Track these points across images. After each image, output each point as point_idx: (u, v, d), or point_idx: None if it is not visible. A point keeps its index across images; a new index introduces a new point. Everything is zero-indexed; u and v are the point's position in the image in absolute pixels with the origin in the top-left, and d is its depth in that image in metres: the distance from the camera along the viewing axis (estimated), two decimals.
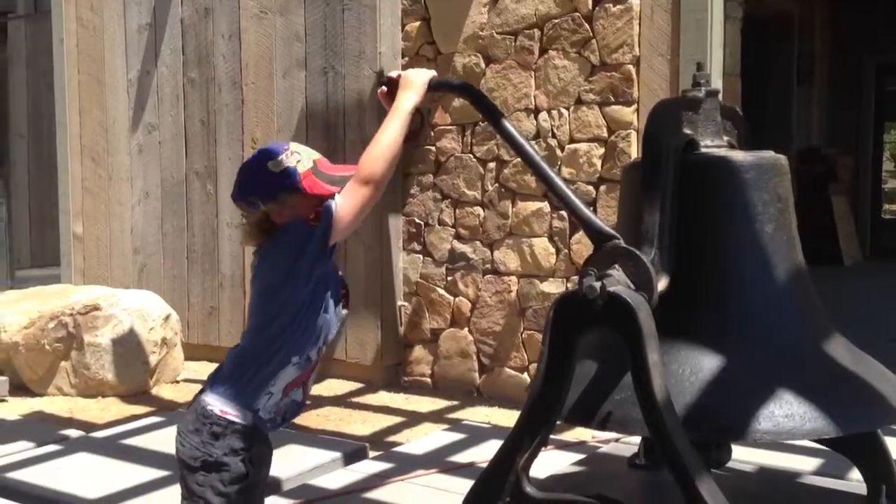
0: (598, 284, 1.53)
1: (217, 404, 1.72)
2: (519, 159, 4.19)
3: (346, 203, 1.71)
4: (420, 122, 1.83)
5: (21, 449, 3.32)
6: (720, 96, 1.90)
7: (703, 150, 1.80)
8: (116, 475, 2.99)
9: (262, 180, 1.77)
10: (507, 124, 1.80)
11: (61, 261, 5.71)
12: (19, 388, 4.49)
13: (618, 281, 1.56)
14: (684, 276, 1.68)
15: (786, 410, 1.58)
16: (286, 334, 1.72)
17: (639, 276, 1.59)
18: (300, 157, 1.78)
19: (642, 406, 1.52)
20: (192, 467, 1.71)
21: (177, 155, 5.21)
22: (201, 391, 1.79)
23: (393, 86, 1.82)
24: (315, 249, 1.71)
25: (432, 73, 1.85)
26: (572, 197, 1.74)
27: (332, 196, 1.73)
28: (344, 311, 1.83)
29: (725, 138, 1.91)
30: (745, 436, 1.58)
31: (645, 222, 1.63)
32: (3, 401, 4.38)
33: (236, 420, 1.71)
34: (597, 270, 1.56)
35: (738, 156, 1.80)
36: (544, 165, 1.78)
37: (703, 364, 1.64)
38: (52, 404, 4.30)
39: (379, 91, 1.88)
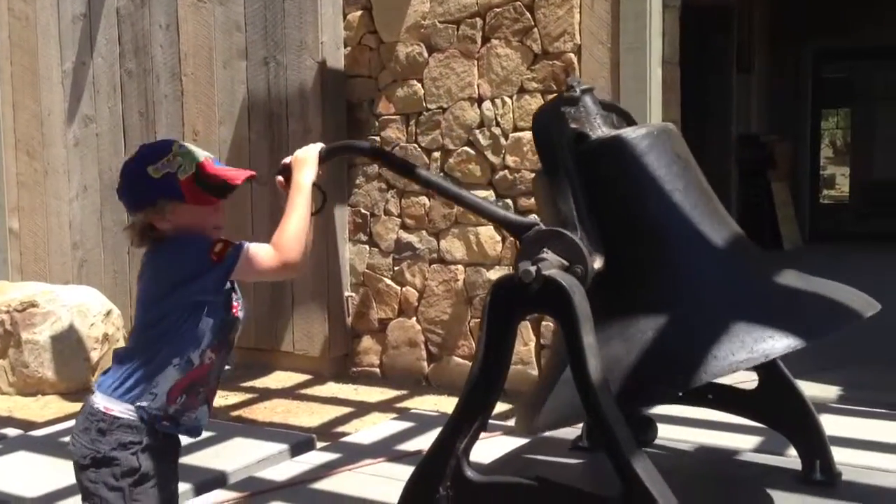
0: (533, 268, 1.55)
1: (101, 402, 1.72)
2: (464, 148, 4.21)
3: (257, 261, 1.71)
4: (322, 198, 1.90)
5: None
6: (598, 92, 2.03)
7: (596, 138, 1.86)
8: (56, 473, 2.93)
9: (141, 185, 1.74)
10: (423, 171, 1.94)
11: None
12: None
13: (552, 263, 1.58)
14: (614, 253, 1.72)
15: (755, 335, 1.60)
16: (167, 337, 1.71)
17: (568, 251, 1.62)
18: (182, 162, 1.73)
19: (579, 388, 1.54)
20: (84, 465, 1.71)
21: (115, 147, 5.10)
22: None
23: (288, 171, 1.87)
24: (210, 285, 1.70)
25: (319, 145, 1.90)
26: (483, 203, 1.81)
27: (214, 206, 1.77)
28: (240, 315, 1.82)
29: (615, 130, 1.97)
30: (725, 370, 1.58)
31: (562, 211, 1.69)
32: None
33: (121, 415, 1.70)
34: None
35: (628, 131, 1.88)
36: (465, 194, 1.86)
37: (661, 321, 1.67)
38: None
39: (277, 181, 1.90)
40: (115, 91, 5.07)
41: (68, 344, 4.35)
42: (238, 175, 1.78)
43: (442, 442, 1.65)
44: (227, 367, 1.88)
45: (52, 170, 5.34)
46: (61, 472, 2.93)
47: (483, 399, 1.64)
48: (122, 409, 1.71)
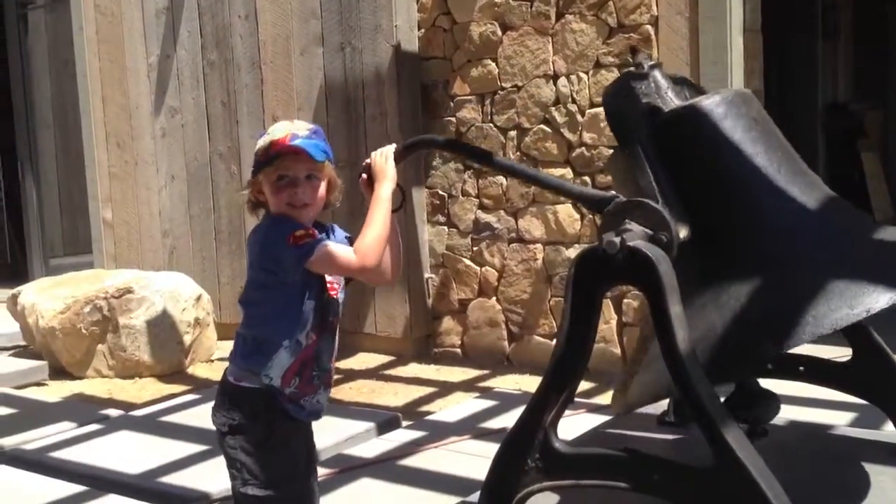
0: (617, 240, 1.54)
1: (232, 377, 1.85)
2: (540, 126, 4.19)
3: (336, 257, 1.79)
4: (402, 197, 1.98)
5: (64, 429, 3.40)
6: (679, 64, 1.98)
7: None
8: (156, 451, 3.06)
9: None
10: (499, 158, 2.06)
11: (93, 247, 5.80)
12: (59, 372, 4.59)
13: (636, 235, 1.57)
14: (703, 220, 1.70)
15: (855, 290, 1.56)
16: (274, 316, 1.81)
17: (651, 220, 1.61)
18: (266, 137, 1.86)
19: (666, 359, 1.53)
20: (223, 433, 1.84)
21: (200, 137, 5.25)
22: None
23: (369, 171, 1.96)
24: (287, 265, 1.78)
25: (394, 146, 1.98)
26: (561, 182, 1.86)
27: (276, 182, 1.82)
28: (339, 297, 1.89)
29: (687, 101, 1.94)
30: (826, 328, 1.54)
31: (642, 185, 1.67)
32: (43, 384, 4.49)
33: (249, 386, 1.81)
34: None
35: (702, 99, 1.85)
36: (542, 174, 1.93)
37: (755, 285, 1.64)
38: (91, 386, 4.39)
39: (361, 181, 1.97)
40: (198, 82, 5.22)
41: (163, 328, 4.52)
42: (283, 140, 1.81)
43: (529, 415, 1.66)
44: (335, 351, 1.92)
45: (141, 161, 5.54)
46: (160, 450, 3.06)
47: (569, 372, 1.64)
48: (249, 382, 1.81)
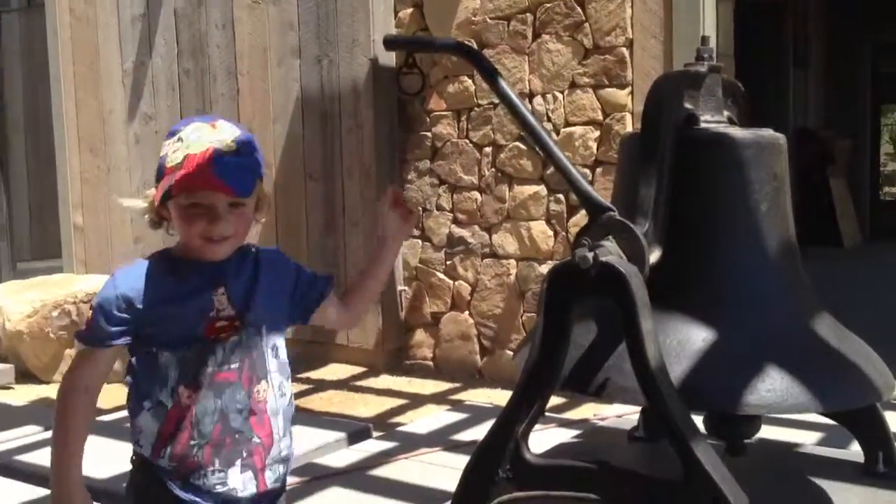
0: (590, 255, 1.56)
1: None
2: (515, 144, 4.23)
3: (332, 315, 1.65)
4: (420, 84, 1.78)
5: (29, 433, 3.36)
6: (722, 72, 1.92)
7: (703, 125, 1.81)
8: (124, 455, 3.02)
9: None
10: (504, 85, 1.85)
11: (63, 251, 5.73)
12: (25, 376, 4.52)
13: (610, 251, 1.59)
14: (677, 250, 1.70)
15: (768, 385, 1.60)
16: (133, 370, 1.53)
17: (632, 248, 1.61)
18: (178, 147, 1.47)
19: (637, 374, 1.55)
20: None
21: None
22: None
23: (403, 205, 1.74)
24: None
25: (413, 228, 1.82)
26: (569, 166, 1.77)
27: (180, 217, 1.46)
28: (243, 338, 1.47)
29: (726, 114, 1.91)
30: (729, 408, 1.61)
31: (641, 194, 1.66)
32: (9, 388, 4.42)
33: (133, 455, 1.55)
34: (590, 241, 1.60)
35: (737, 133, 1.81)
36: (557, 151, 1.83)
37: (690, 336, 1.66)
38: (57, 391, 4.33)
39: (393, 205, 1.71)
40: (173, 90, 5.20)
41: None
42: (201, 160, 1.40)
43: (501, 426, 1.67)
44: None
45: (113, 167, 5.50)
46: (128, 455, 3.02)
47: (541, 384, 1.65)
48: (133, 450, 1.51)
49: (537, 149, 1.76)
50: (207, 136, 1.43)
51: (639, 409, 2.34)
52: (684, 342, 1.65)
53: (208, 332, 1.44)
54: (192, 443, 1.44)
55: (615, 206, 1.68)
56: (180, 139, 1.44)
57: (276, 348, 1.52)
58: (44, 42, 5.80)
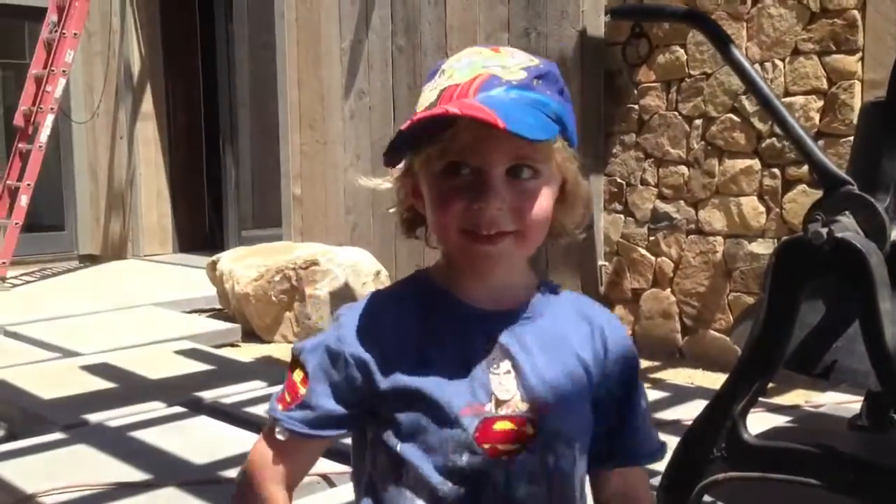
0: (824, 230, 1.49)
1: None
2: (728, 115, 4.05)
3: None
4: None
5: (255, 387, 3.67)
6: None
7: None
8: None
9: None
10: (737, 52, 1.74)
11: (282, 220, 6.18)
12: (249, 335, 4.94)
13: (846, 227, 1.51)
14: None
15: None
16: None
17: (872, 224, 1.53)
18: (434, 84, 0.97)
19: (872, 356, 1.47)
20: None
21: (385, 119, 5.46)
22: None
23: None
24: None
25: None
26: (804, 135, 1.68)
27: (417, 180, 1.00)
28: (533, 460, 0.96)
29: None
30: None
31: (883, 167, 1.56)
32: (236, 345, 4.85)
33: None
34: (824, 216, 1.52)
35: None
36: (778, 102, 1.71)
37: None
38: (278, 350, 4.70)
39: None
40: (386, 66, 5.42)
41: (343, 300, 4.75)
42: (465, 88, 0.89)
43: (717, 404, 1.65)
44: None
45: (330, 141, 5.83)
46: None
47: (763, 362, 1.60)
48: None
49: (772, 119, 1.64)
50: (482, 60, 0.92)
51: (860, 397, 2.21)
52: None
53: (489, 439, 0.93)
54: None
55: (850, 176, 1.59)
56: (442, 72, 0.94)
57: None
58: (269, 22, 6.23)
